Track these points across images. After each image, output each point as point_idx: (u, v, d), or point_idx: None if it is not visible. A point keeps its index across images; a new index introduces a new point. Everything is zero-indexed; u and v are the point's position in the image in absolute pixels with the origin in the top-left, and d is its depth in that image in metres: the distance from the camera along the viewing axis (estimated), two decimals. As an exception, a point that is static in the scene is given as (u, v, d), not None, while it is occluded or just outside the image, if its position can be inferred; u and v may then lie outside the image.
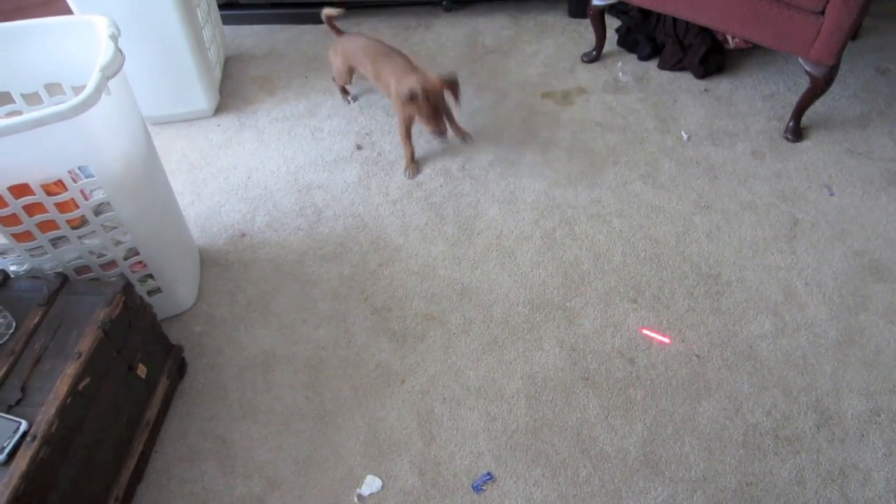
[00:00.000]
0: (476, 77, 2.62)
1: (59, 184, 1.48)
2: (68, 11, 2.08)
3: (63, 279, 1.51)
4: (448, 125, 2.20)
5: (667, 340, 1.76)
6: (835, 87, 2.37)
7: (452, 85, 2.08)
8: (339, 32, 2.39)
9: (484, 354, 1.78)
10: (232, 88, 2.66)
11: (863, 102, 2.40)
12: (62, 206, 1.50)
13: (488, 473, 1.56)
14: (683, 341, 1.76)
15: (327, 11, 2.31)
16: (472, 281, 1.94)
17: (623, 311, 1.84)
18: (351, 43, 2.33)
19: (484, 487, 1.54)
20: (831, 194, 2.10)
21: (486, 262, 1.99)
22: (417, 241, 2.06)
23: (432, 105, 2.04)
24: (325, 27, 2.40)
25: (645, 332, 1.79)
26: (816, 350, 1.74)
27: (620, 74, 2.59)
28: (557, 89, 2.55)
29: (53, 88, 1.71)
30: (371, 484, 1.55)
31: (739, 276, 1.90)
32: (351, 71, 2.40)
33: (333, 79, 2.52)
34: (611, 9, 2.58)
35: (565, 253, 2.00)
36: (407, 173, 2.26)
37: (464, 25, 2.90)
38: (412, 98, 2.01)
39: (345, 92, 2.58)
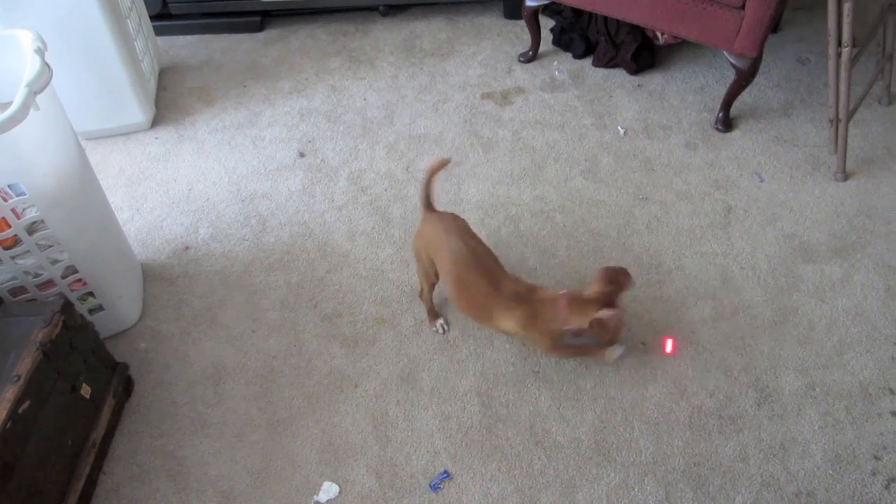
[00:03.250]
0: (416, 80, 2.64)
1: (-11, 203, 1.44)
2: (-9, 26, 2.02)
3: (-3, 302, 1.47)
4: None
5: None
6: (759, 79, 2.47)
7: (624, 280, 1.56)
8: (430, 207, 1.70)
9: (436, 354, 1.79)
10: (168, 100, 2.61)
11: (786, 92, 2.50)
12: (-7, 227, 1.46)
13: (445, 472, 1.57)
14: (642, 344, 1.82)
15: (432, 165, 1.66)
16: (420, 282, 1.96)
17: (569, 304, 1.88)
18: (436, 226, 1.66)
19: (441, 486, 1.55)
20: (761, 181, 2.19)
21: (433, 262, 2.00)
22: (365, 245, 2.06)
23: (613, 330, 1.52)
24: (421, 199, 1.71)
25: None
26: (754, 331, 1.81)
27: (557, 73, 2.65)
28: (497, 90, 2.59)
29: (-22, 106, 1.66)
30: (328, 490, 1.55)
31: (679, 263, 1.97)
32: (434, 267, 1.67)
33: (420, 292, 1.80)
34: (544, 9, 2.63)
35: (511, 250, 2.03)
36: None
37: (401, 29, 2.91)
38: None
39: (434, 313, 1.82)
